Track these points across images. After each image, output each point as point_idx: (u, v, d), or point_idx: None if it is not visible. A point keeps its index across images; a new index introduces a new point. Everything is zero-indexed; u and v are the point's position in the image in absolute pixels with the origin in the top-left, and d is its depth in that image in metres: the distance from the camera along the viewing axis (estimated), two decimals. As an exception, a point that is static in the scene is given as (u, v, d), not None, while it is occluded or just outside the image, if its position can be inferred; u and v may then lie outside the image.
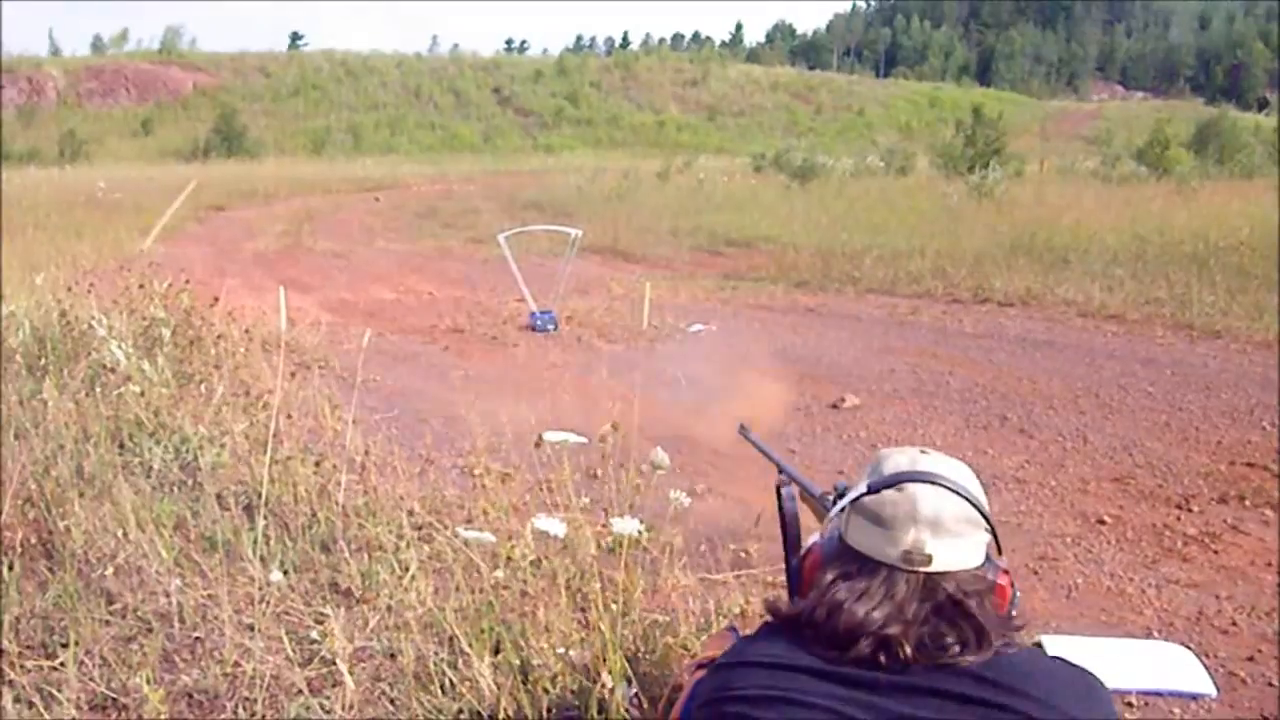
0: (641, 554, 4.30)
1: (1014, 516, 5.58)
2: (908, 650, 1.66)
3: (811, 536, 2.00)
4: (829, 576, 1.78)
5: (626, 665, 3.26)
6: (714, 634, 3.43)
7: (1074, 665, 1.75)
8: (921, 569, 1.71)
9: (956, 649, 1.66)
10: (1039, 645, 1.88)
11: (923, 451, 1.84)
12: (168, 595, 3.99)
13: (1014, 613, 1.82)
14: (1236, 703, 3.71)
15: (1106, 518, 5.56)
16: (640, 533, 3.85)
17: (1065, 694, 1.66)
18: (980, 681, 1.64)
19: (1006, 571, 1.83)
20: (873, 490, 1.78)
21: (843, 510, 1.84)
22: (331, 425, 6.29)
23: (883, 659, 1.68)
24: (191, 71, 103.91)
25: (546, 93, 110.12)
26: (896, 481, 1.76)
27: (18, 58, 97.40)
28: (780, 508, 2.31)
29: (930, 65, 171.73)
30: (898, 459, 1.82)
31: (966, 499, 1.75)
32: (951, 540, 1.72)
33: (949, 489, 1.75)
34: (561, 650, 3.38)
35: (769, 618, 1.93)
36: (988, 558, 1.79)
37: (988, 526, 1.78)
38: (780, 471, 2.63)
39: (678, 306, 12.48)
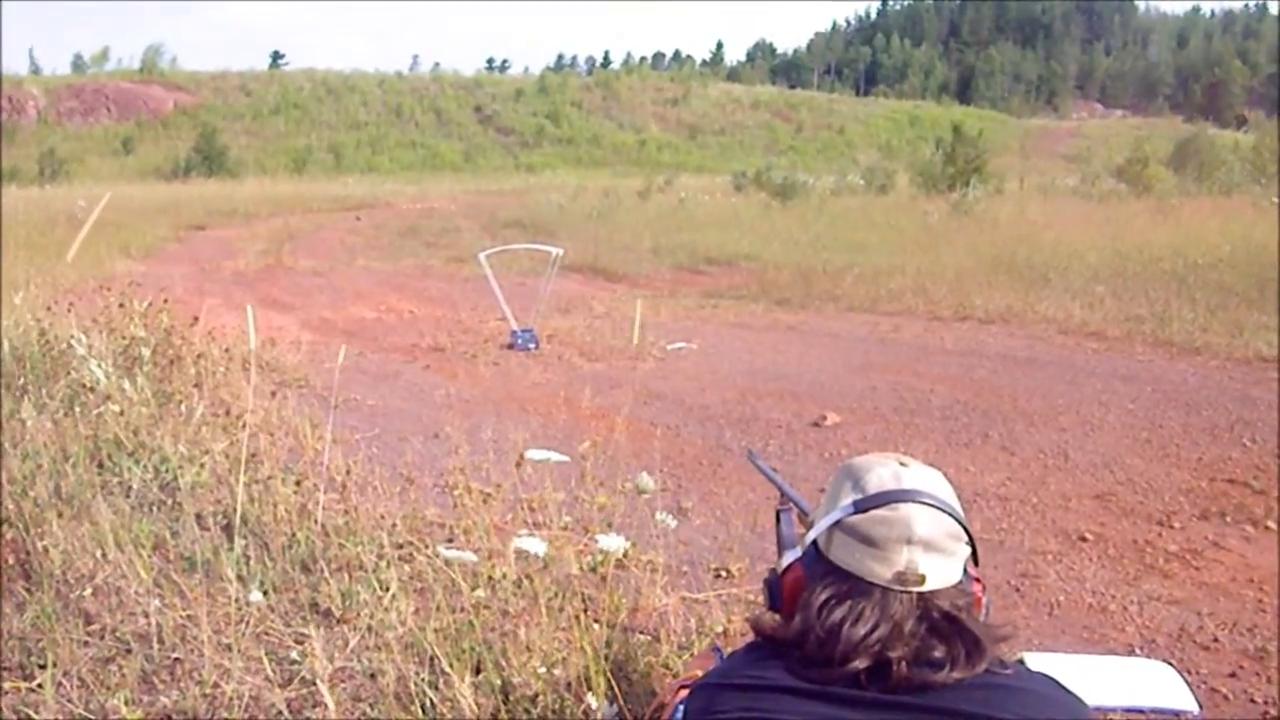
0: (623, 573, 4.29)
1: (996, 534, 5.58)
2: (903, 669, 1.66)
3: (788, 552, 1.98)
4: (820, 597, 1.75)
5: (608, 684, 3.24)
6: (698, 654, 3.42)
7: (1063, 689, 1.74)
8: (915, 589, 1.70)
9: (946, 667, 1.65)
10: (1020, 662, 1.87)
11: (902, 463, 1.82)
12: (146, 616, 3.96)
13: (985, 618, 1.83)
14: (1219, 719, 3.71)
15: (1088, 534, 5.56)
16: (625, 551, 3.85)
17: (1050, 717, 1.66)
18: (969, 700, 1.64)
19: (978, 580, 1.84)
20: (860, 509, 1.76)
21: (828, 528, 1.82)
22: (312, 444, 6.27)
23: (870, 680, 1.67)
24: (172, 90, 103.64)
25: (527, 112, 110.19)
26: (886, 501, 1.75)
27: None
28: (779, 533, 2.30)
29: (910, 83, 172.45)
30: (881, 474, 1.80)
31: (952, 516, 1.75)
32: (941, 558, 1.72)
33: (938, 508, 1.74)
34: (543, 670, 3.37)
35: (753, 636, 1.92)
36: (964, 569, 1.79)
37: (969, 539, 1.78)
38: (783, 496, 2.62)
39: (659, 324, 12.47)
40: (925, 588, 1.70)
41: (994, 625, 1.79)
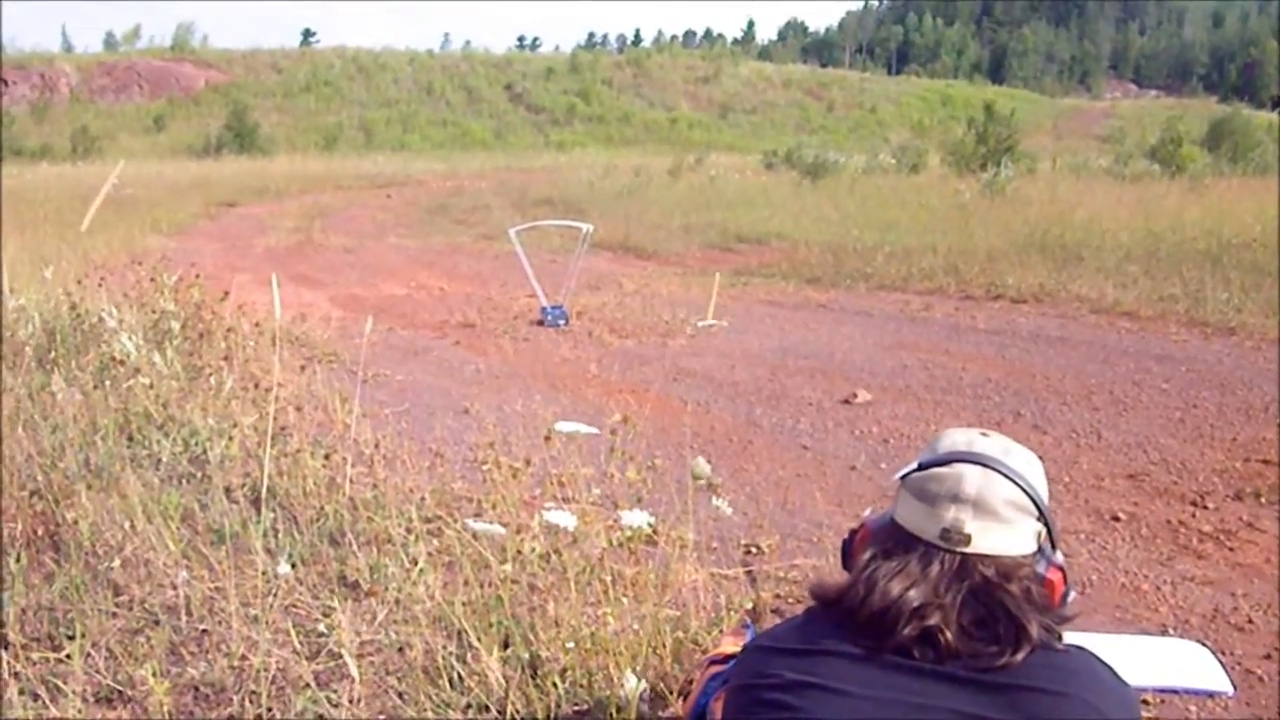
0: (652, 549, 4.27)
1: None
2: (948, 637, 1.63)
3: (866, 512, 1.99)
4: (869, 553, 1.77)
5: (636, 660, 3.23)
6: (727, 629, 3.41)
7: (1114, 674, 1.71)
8: (960, 549, 1.69)
9: (994, 649, 1.63)
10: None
11: (983, 434, 1.82)
12: (174, 587, 3.98)
13: (1065, 608, 1.79)
14: (1254, 701, 3.67)
15: (1121, 514, 5.52)
16: (650, 526, 3.83)
17: (1106, 707, 1.63)
18: (1025, 674, 1.61)
19: (1060, 568, 1.79)
20: (923, 467, 1.77)
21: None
22: (341, 418, 6.27)
23: (922, 650, 1.65)
24: (204, 68, 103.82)
25: (558, 90, 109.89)
26: (948, 460, 1.75)
27: (30, 54, 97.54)
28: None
29: (943, 63, 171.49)
30: (955, 438, 1.81)
31: (1018, 484, 1.72)
32: (994, 524, 1.70)
33: (1000, 472, 1.72)
34: (571, 644, 3.35)
35: (812, 602, 1.91)
36: (1040, 550, 1.76)
37: (1039, 515, 1.75)
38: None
39: (689, 302, 12.45)
40: (970, 549, 1.68)
41: (1054, 609, 1.75)
